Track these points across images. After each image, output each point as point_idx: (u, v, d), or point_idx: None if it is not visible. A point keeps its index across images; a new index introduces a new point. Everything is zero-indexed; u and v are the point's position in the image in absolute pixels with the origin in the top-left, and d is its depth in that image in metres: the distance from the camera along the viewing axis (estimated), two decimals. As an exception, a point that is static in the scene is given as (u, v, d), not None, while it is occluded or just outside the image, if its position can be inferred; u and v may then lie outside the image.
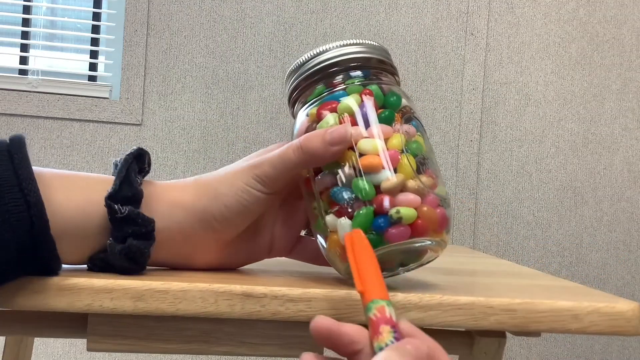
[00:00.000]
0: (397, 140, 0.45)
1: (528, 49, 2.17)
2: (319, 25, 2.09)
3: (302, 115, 0.49)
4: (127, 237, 0.44)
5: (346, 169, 0.44)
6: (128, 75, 2.01)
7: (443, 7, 2.13)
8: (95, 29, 2.13)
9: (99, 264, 0.45)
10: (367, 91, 0.46)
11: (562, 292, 0.49)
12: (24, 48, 2.10)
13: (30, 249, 0.40)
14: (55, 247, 0.41)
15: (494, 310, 0.44)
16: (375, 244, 0.42)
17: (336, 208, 0.44)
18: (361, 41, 0.49)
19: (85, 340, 0.46)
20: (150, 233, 0.45)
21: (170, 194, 0.47)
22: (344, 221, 0.43)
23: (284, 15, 2.08)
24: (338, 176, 0.44)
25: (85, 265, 0.47)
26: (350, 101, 0.46)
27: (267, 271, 0.52)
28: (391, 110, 0.46)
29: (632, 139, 2.21)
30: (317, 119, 0.47)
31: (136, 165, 0.46)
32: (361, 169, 0.43)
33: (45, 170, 0.44)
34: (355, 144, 0.44)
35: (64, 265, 0.44)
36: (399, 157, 0.44)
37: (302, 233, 0.52)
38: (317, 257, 0.52)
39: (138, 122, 2.02)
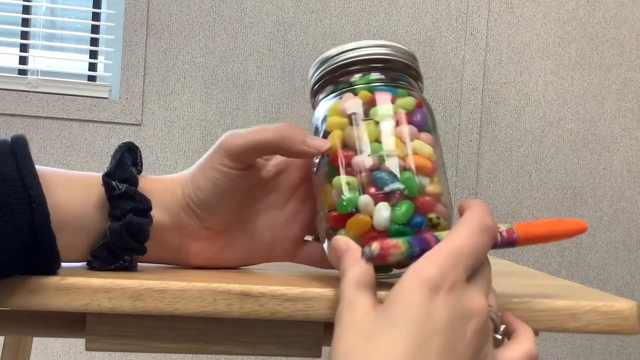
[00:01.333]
0: (438, 154, 0.47)
1: (528, 49, 2.17)
2: (319, 25, 2.09)
3: (326, 105, 0.48)
4: (126, 214, 0.45)
5: (397, 160, 0.44)
6: (127, 75, 2.01)
7: (443, 7, 2.13)
8: (95, 29, 2.13)
9: (100, 253, 0.45)
10: (420, 102, 0.48)
11: (560, 292, 0.50)
12: (24, 48, 2.11)
13: (30, 241, 0.41)
14: (55, 241, 0.42)
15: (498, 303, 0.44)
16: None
17: (372, 190, 0.44)
18: (407, 48, 0.51)
19: (84, 340, 0.46)
20: (147, 211, 0.46)
21: (159, 184, 0.48)
22: (384, 206, 0.43)
23: (283, 15, 2.08)
24: (385, 163, 0.44)
25: (84, 264, 0.47)
26: (410, 100, 0.47)
27: (266, 270, 0.52)
28: (430, 127, 0.48)
29: (632, 139, 2.21)
30: (369, 101, 0.47)
31: (129, 156, 0.48)
32: (413, 166, 0.44)
33: (46, 169, 0.45)
34: (411, 140, 0.45)
35: (62, 264, 0.44)
36: (438, 169, 0.46)
37: (310, 238, 0.52)
38: (322, 260, 0.51)
39: (138, 122, 2.02)
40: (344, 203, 0.44)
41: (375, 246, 0.41)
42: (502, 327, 0.41)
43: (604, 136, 2.20)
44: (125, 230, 0.44)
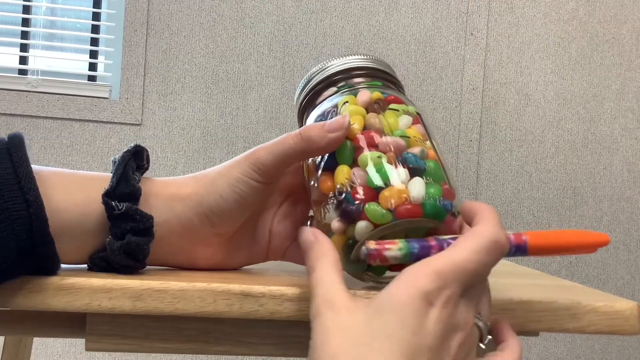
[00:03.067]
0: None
1: (528, 49, 2.17)
2: (319, 25, 2.09)
3: (316, 112, 0.49)
4: (126, 234, 0.44)
5: (420, 148, 0.45)
6: (128, 75, 2.01)
7: (443, 7, 2.13)
8: (95, 29, 2.13)
9: (99, 263, 0.45)
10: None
11: (561, 292, 0.50)
12: (24, 48, 2.11)
13: (29, 247, 0.40)
14: (55, 246, 0.41)
15: (492, 309, 0.44)
16: (439, 217, 0.43)
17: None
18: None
19: (84, 340, 0.46)
20: (149, 229, 0.44)
21: (168, 189, 0.47)
22: (420, 180, 0.43)
23: (284, 15, 2.08)
24: (415, 149, 0.45)
25: (85, 265, 0.47)
26: (414, 108, 0.49)
27: (265, 270, 0.52)
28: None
29: (632, 139, 2.21)
30: (379, 104, 0.47)
31: (134, 162, 0.46)
32: (437, 157, 0.46)
33: (45, 169, 0.44)
34: (430, 138, 0.47)
35: (62, 265, 0.44)
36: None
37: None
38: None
39: (138, 122, 2.02)
40: (380, 174, 0.43)
41: (372, 243, 0.40)
42: (488, 337, 0.40)
43: (604, 136, 2.20)
44: (123, 252, 0.44)
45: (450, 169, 0.49)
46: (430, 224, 0.43)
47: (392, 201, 0.42)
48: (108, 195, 0.44)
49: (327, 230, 0.45)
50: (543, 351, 2.16)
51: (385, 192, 0.42)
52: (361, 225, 0.43)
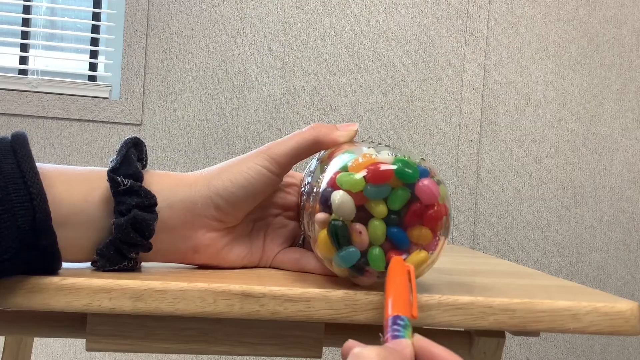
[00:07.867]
0: None
1: (528, 49, 2.17)
2: (319, 25, 2.09)
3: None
4: (132, 209, 0.44)
5: None
6: (128, 75, 2.01)
7: (443, 7, 2.13)
8: (95, 29, 2.13)
9: (106, 252, 0.45)
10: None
11: (561, 292, 0.49)
12: (24, 48, 2.10)
13: (31, 239, 0.41)
14: (56, 240, 0.42)
15: (493, 310, 0.44)
16: (410, 178, 0.43)
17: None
18: None
19: (84, 340, 0.46)
20: (152, 207, 0.46)
21: (172, 177, 0.49)
22: (387, 149, 0.45)
23: (284, 15, 2.08)
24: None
25: (86, 265, 0.47)
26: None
27: (266, 271, 0.52)
28: None
29: (632, 139, 2.21)
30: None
31: (135, 150, 0.48)
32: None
33: (48, 165, 0.45)
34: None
35: (64, 264, 0.44)
36: None
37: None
38: (295, 261, 0.53)
39: (138, 122, 2.02)
40: (348, 155, 0.45)
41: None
42: None
43: (604, 136, 2.20)
44: (130, 225, 0.44)
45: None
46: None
47: (362, 166, 0.42)
48: (113, 172, 0.45)
49: (315, 240, 0.44)
50: (543, 351, 2.16)
51: (354, 162, 0.43)
52: (336, 195, 0.42)
